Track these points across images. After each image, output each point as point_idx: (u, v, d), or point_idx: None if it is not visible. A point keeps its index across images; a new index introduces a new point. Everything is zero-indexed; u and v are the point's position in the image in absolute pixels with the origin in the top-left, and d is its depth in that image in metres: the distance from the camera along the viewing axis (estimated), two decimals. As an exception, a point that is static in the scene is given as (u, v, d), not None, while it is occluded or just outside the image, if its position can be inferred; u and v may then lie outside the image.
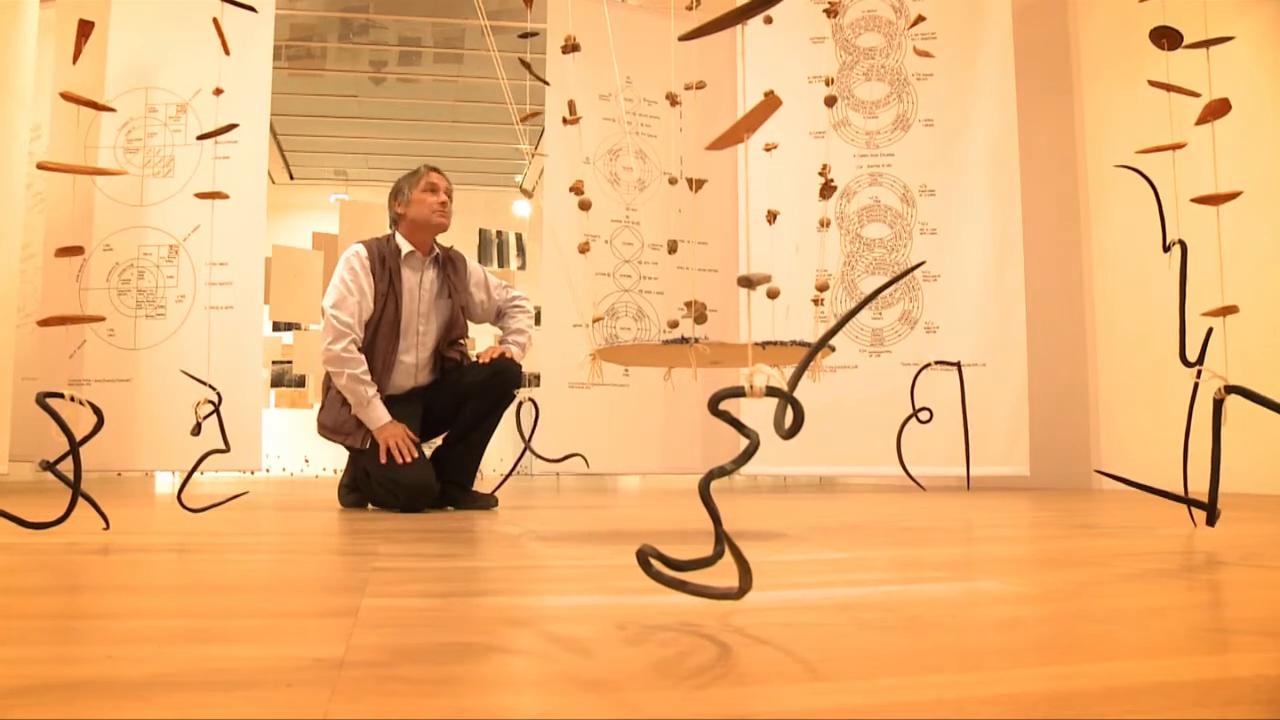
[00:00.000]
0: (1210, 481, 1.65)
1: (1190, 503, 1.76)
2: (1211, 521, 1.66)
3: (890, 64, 4.59)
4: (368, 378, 2.77)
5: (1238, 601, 1.08)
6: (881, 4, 4.63)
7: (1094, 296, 4.80)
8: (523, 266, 9.08)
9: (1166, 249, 1.81)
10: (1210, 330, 1.76)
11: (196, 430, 2.10)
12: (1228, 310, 1.75)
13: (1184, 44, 1.77)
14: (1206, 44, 1.78)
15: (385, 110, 10.30)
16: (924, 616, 0.93)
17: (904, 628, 0.87)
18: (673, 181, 4.57)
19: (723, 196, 4.62)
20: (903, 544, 1.71)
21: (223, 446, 2.15)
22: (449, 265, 3.00)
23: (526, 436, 2.82)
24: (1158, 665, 0.72)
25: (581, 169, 4.46)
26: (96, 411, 1.79)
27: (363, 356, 2.79)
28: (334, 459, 8.59)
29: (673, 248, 1.60)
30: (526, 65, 2.03)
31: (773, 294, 1.26)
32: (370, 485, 2.86)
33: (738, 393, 0.87)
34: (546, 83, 2.54)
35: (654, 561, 0.89)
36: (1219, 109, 1.71)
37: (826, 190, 1.72)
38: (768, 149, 2.17)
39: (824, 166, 1.84)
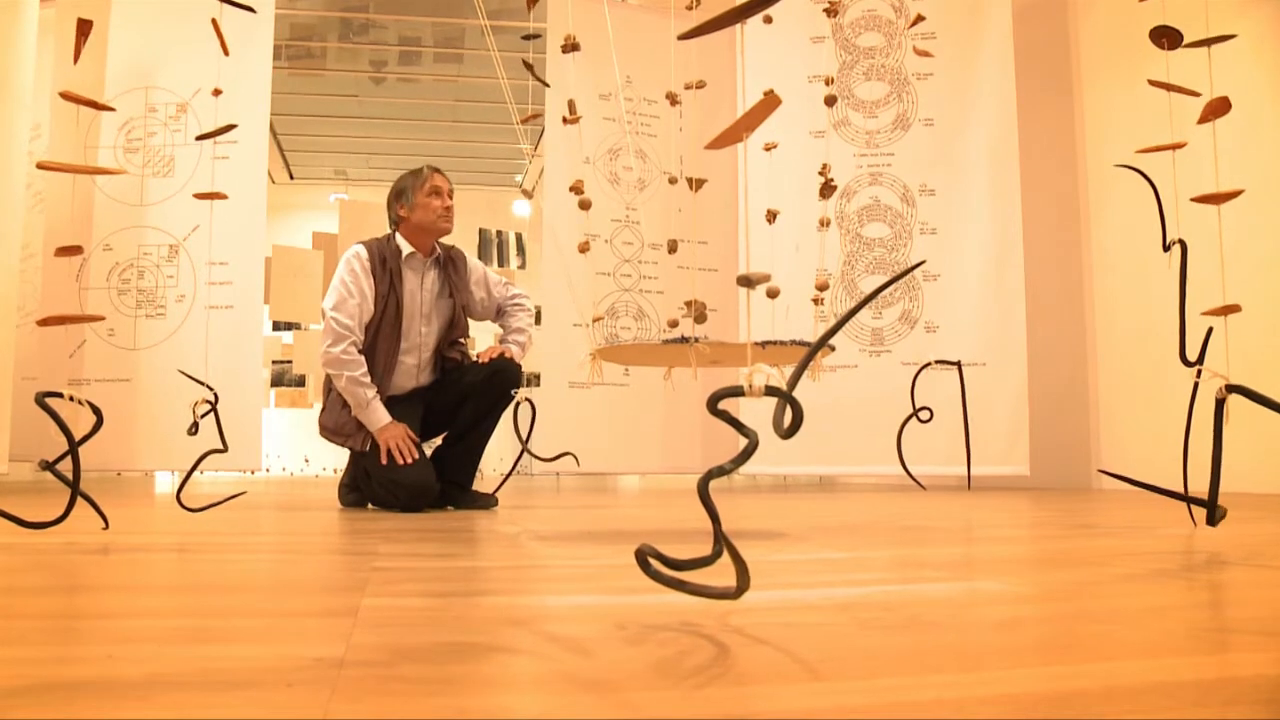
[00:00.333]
0: (1211, 481, 1.65)
1: (1194, 502, 1.76)
2: (1213, 521, 1.66)
3: (890, 64, 4.58)
4: (367, 379, 2.77)
5: (1238, 601, 1.08)
6: (881, 4, 4.63)
7: (1094, 296, 4.80)
8: (523, 266, 9.09)
9: (1166, 249, 1.81)
10: (1210, 330, 1.76)
11: (194, 430, 2.10)
12: (1230, 310, 1.74)
13: (1185, 43, 1.77)
14: (1208, 42, 1.78)
15: (385, 110, 10.30)
16: (924, 616, 0.93)
17: (904, 628, 0.87)
18: (673, 181, 4.57)
19: (723, 196, 4.62)
20: (903, 544, 1.71)
21: (220, 447, 2.15)
22: (450, 265, 2.99)
23: (523, 436, 2.81)
24: (1158, 665, 0.72)
25: (581, 169, 4.46)
26: (96, 411, 1.79)
27: (362, 358, 2.79)
28: (334, 459, 8.59)
29: (673, 247, 1.60)
30: (529, 67, 2.03)
31: (772, 293, 1.26)
32: (370, 485, 2.86)
33: (736, 392, 0.87)
34: (546, 84, 2.54)
35: (653, 561, 0.89)
36: (1220, 108, 1.71)
37: (826, 190, 1.72)
38: (768, 149, 2.17)
39: (824, 166, 1.84)
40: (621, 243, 4.59)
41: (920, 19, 2.27)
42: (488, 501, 2.93)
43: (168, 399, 4.05)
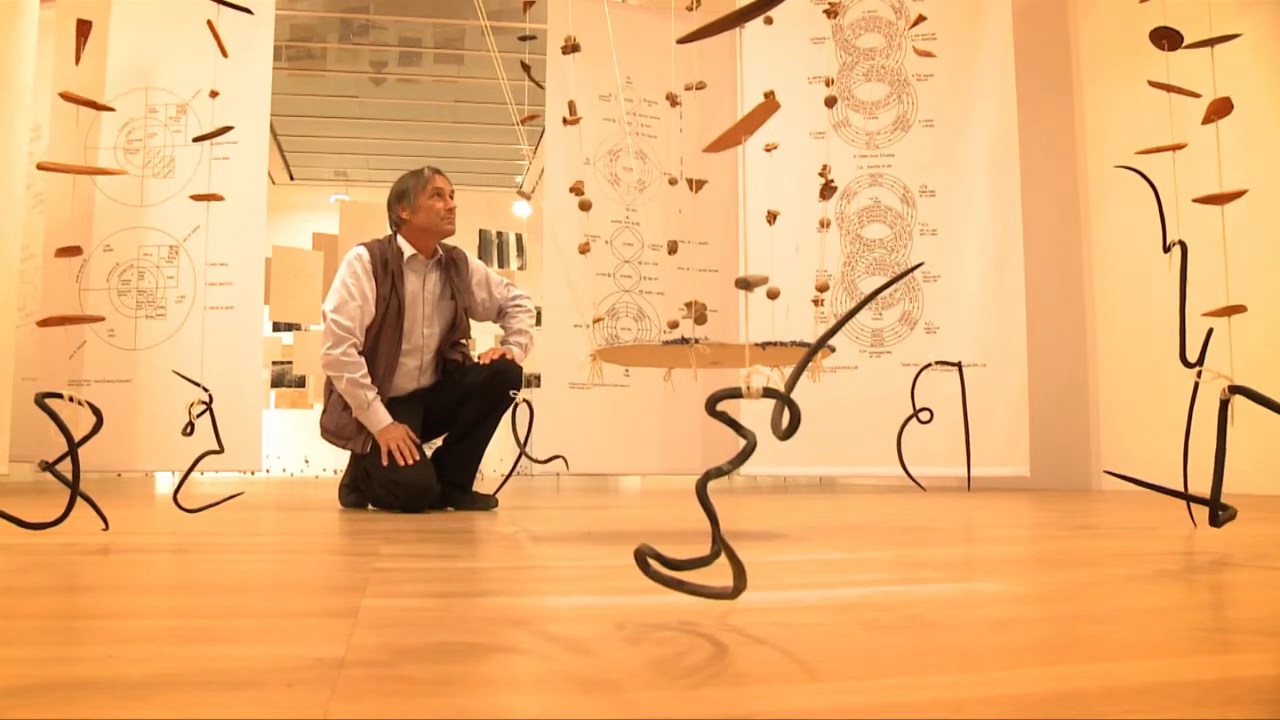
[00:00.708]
0: (1214, 482, 1.65)
1: (1202, 502, 1.75)
2: (1217, 522, 1.66)
3: (890, 64, 4.59)
4: (367, 381, 2.77)
5: (1238, 601, 1.08)
6: (882, 4, 4.63)
7: (1094, 296, 4.80)
8: (523, 267, 9.09)
9: (1167, 249, 1.81)
10: (1210, 330, 1.76)
11: (189, 430, 2.09)
12: (1234, 310, 1.74)
13: (1188, 43, 1.77)
14: (1211, 42, 1.78)
15: (385, 111, 10.30)
16: (923, 617, 0.93)
17: (903, 628, 0.87)
18: (673, 182, 4.58)
19: (723, 197, 4.62)
20: (902, 545, 1.71)
21: (217, 448, 2.15)
22: (451, 266, 2.99)
23: (518, 437, 2.81)
24: (1158, 665, 0.72)
25: (582, 169, 4.46)
26: (96, 412, 1.79)
27: (362, 360, 2.79)
28: (334, 459, 8.59)
29: (673, 248, 1.60)
30: (526, 69, 2.03)
31: (773, 294, 1.27)
32: (371, 486, 2.86)
33: (735, 394, 0.87)
34: (541, 85, 2.54)
35: (651, 561, 0.89)
36: (1222, 108, 1.71)
37: (827, 191, 1.73)
38: (768, 149, 2.17)
39: (824, 167, 1.84)
40: (622, 244, 4.59)
41: (921, 19, 2.27)
42: (488, 502, 2.93)
43: (168, 400, 4.05)
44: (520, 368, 2.92)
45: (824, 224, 2.05)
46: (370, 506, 2.97)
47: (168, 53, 4.34)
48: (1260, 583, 1.21)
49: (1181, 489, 1.86)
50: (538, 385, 4.74)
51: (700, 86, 1.86)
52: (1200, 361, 1.71)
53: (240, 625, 0.89)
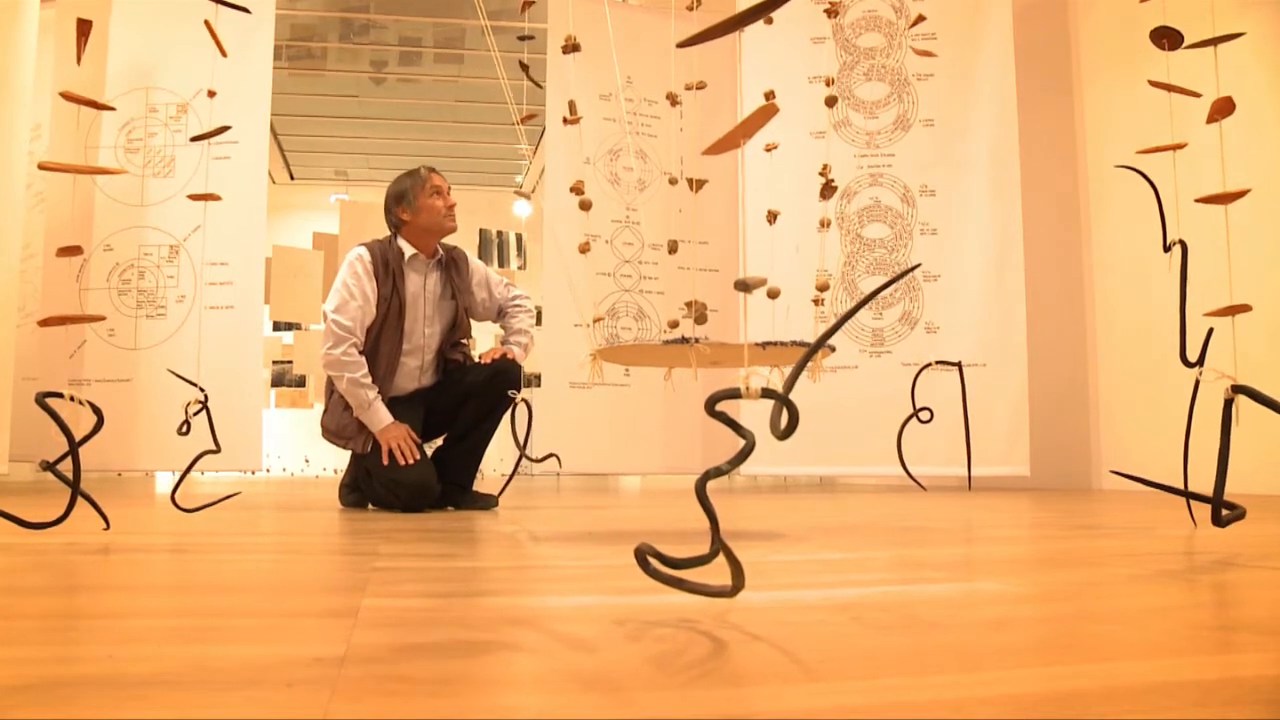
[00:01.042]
0: (1217, 481, 1.64)
1: (1209, 501, 1.75)
2: (1220, 522, 1.66)
3: (890, 64, 4.59)
4: (368, 380, 2.77)
5: (1239, 601, 1.08)
6: (882, 4, 4.63)
7: (1094, 296, 4.80)
8: (523, 266, 9.09)
9: (1167, 249, 1.81)
10: (1210, 330, 1.76)
11: (185, 430, 2.09)
12: (1237, 309, 1.74)
13: (1192, 43, 1.77)
14: (1214, 41, 1.78)
15: (386, 110, 10.30)
16: (924, 616, 0.93)
17: (904, 627, 0.87)
18: (673, 182, 4.58)
19: (723, 196, 4.62)
20: (903, 544, 1.71)
21: (214, 448, 2.15)
22: (452, 266, 2.99)
23: (516, 437, 2.81)
24: (1158, 665, 0.72)
25: (582, 169, 4.46)
26: (96, 411, 1.79)
27: (363, 359, 2.79)
28: (334, 459, 8.59)
29: (673, 248, 1.60)
30: (525, 68, 2.03)
31: (773, 294, 1.27)
32: (371, 485, 2.86)
33: (734, 394, 0.87)
34: (540, 85, 2.54)
35: (651, 560, 0.89)
36: (1225, 108, 1.71)
37: (827, 190, 1.73)
38: (768, 149, 2.17)
39: (824, 167, 1.84)
40: (622, 243, 4.59)
41: (921, 19, 2.27)
42: (488, 502, 2.93)
43: (168, 399, 4.05)
44: (520, 367, 2.92)
45: (824, 224, 2.05)
46: (370, 506, 2.97)
47: (168, 52, 4.34)
48: (1261, 582, 1.21)
49: (1179, 489, 1.86)
50: (538, 385, 4.75)
51: (700, 86, 1.86)
52: (1200, 361, 1.71)
53: (240, 625, 0.89)
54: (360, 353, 2.80)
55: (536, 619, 0.92)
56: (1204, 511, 1.78)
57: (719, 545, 0.91)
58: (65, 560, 1.42)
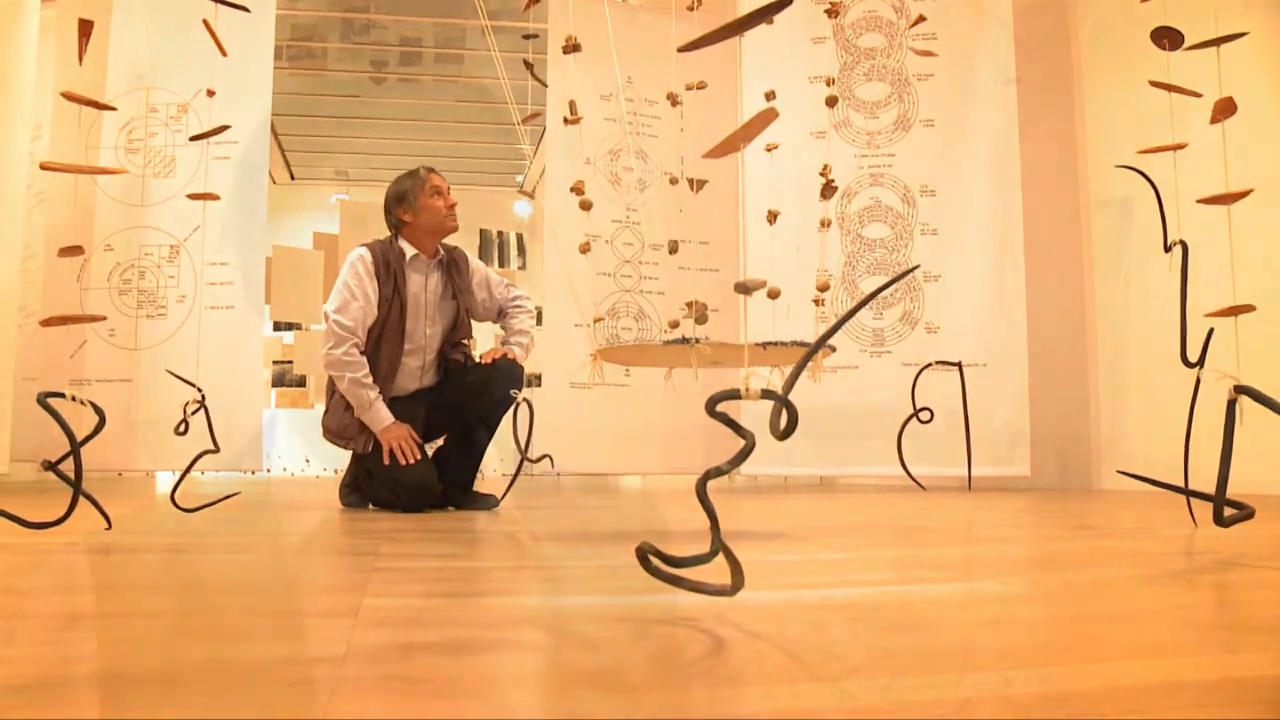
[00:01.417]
0: (1219, 482, 1.64)
1: (1222, 502, 1.75)
2: (1223, 522, 1.66)
3: (891, 64, 4.59)
4: (369, 380, 2.77)
5: (1240, 602, 1.08)
6: (882, 4, 4.63)
7: (1095, 296, 4.80)
8: (523, 267, 9.09)
9: (1167, 249, 1.81)
10: (1211, 331, 1.76)
11: (183, 430, 2.09)
12: (1239, 310, 1.74)
13: (1197, 43, 1.77)
14: (1216, 42, 1.78)
15: (386, 110, 10.30)
16: (924, 616, 0.93)
17: (904, 627, 0.87)
18: (674, 182, 4.57)
19: (724, 196, 4.62)
20: (903, 544, 1.71)
21: (213, 447, 2.15)
22: (453, 266, 2.99)
23: (516, 436, 2.81)
24: (1158, 665, 0.72)
25: (582, 169, 4.46)
26: (98, 411, 1.79)
27: (364, 359, 2.79)
28: (334, 459, 8.59)
29: (674, 248, 1.60)
30: (529, 67, 2.03)
31: (773, 294, 1.27)
32: (372, 485, 2.86)
33: (734, 395, 0.87)
34: (545, 84, 2.54)
35: (652, 559, 0.89)
36: (1227, 108, 1.71)
37: (827, 191, 1.73)
38: (768, 149, 2.17)
39: (825, 167, 1.84)
40: (622, 243, 4.59)
41: (921, 19, 2.27)
42: (489, 502, 2.93)
43: (169, 399, 4.05)
44: (521, 368, 2.92)
45: (824, 224, 2.05)
46: (371, 506, 2.97)
47: (169, 52, 4.34)
48: (1262, 582, 1.21)
49: (1189, 489, 1.85)
50: (538, 385, 4.75)
51: (701, 86, 1.87)
52: (1201, 362, 1.71)
53: (241, 625, 0.89)
54: (361, 353, 2.80)
55: (537, 618, 0.92)
56: (1206, 512, 1.78)
57: (719, 545, 0.91)
58: (66, 560, 1.42)
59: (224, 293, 4.18)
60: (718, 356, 1.60)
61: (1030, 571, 1.34)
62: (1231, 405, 1.60)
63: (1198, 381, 1.72)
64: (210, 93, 2.23)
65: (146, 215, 4.25)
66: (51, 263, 4.13)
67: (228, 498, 2.74)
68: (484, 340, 8.03)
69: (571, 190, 1.74)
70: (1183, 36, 1.77)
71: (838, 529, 2.07)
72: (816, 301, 1.99)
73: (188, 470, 2.24)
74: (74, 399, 1.76)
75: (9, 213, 3.73)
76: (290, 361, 9.02)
